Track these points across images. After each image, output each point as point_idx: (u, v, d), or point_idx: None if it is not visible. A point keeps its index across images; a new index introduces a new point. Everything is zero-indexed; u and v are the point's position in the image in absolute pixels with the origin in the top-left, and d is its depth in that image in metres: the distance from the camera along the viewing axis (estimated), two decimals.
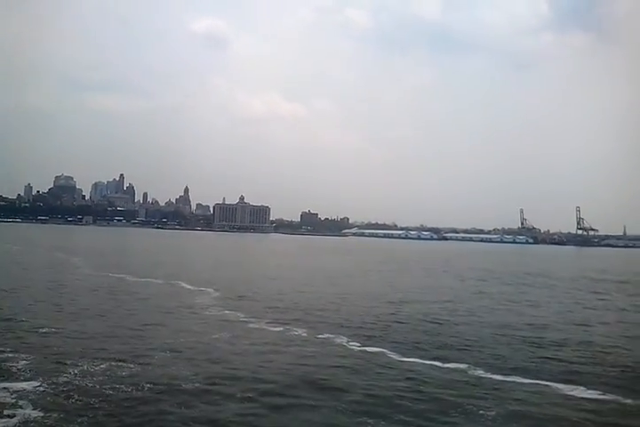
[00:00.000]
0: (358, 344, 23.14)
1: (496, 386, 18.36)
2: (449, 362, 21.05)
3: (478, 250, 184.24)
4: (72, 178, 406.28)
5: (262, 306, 32.82)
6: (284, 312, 31.05)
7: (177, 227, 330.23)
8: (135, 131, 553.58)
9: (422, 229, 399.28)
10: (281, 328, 25.95)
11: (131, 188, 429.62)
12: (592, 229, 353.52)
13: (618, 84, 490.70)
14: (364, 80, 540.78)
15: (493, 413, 15.49)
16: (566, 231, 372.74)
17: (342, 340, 23.80)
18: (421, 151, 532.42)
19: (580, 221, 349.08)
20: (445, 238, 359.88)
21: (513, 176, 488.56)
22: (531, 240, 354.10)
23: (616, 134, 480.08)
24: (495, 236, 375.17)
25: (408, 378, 18.80)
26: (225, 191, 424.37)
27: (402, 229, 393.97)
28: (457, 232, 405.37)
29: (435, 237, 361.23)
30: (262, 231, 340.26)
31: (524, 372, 20.24)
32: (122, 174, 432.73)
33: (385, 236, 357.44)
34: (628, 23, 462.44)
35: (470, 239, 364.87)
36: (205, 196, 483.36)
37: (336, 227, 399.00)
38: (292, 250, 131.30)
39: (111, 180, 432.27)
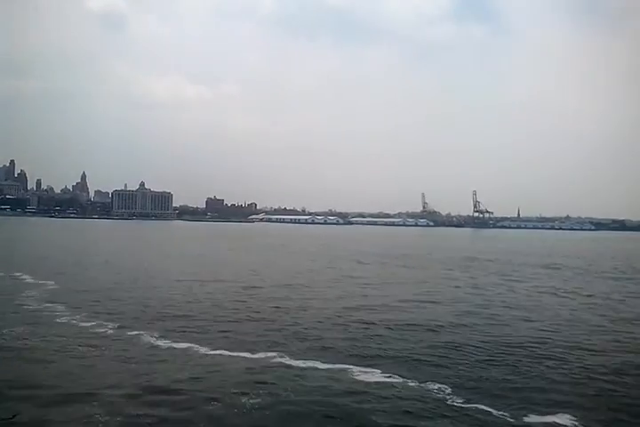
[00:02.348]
0: (168, 340, 21.55)
1: (286, 373, 17.76)
2: (259, 352, 20.17)
3: (371, 233, 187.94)
4: None
5: (92, 298, 30.50)
6: (110, 304, 28.97)
7: (72, 215, 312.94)
8: (28, 115, 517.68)
9: (330, 214, 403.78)
10: (93, 322, 23.98)
11: (22, 174, 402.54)
12: (487, 212, 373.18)
13: (514, 74, 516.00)
14: (270, 63, 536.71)
15: (256, 400, 14.94)
16: (466, 214, 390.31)
17: (152, 336, 22.11)
18: (330, 137, 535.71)
19: (476, 204, 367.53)
20: (351, 223, 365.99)
21: (416, 162, 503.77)
22: (431, 223, 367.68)
23: (510, 122, 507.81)
24: (398, 219, 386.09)
25: (196, 373, 17.65)
26: (127, 178, 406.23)
27: (310, 214, 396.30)
28: (364, 217, 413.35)
29: (341, 221, 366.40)
30: (164, 218, 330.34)
31: (330, 356, 19.84)
32: (12, 160, 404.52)
33: (292, 221, 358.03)
34: (520, 16, 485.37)
35: (375, 223, 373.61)
36: (106, 182, 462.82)
37: (243, 213, 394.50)
38: (179, 238, 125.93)
39: (1, 166, 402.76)
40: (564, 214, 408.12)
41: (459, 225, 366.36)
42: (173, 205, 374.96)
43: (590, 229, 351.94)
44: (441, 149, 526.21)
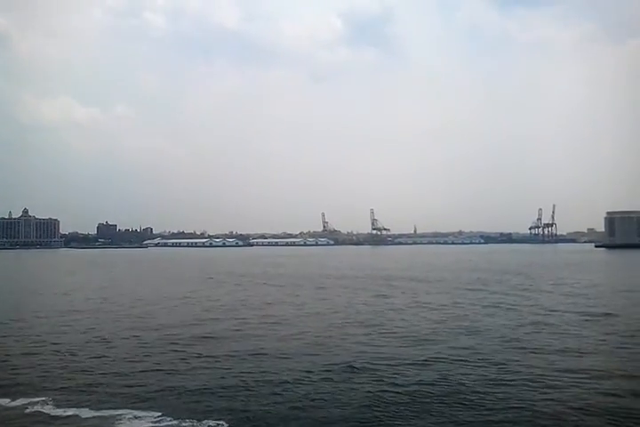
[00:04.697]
0: None
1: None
2: (19, 398, 17.05)
3: (263, 254, 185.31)
4: None
5: None
6: None
7: None
8: None
9: (230, 236, 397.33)
10: None
11: None
12: (385, 229, 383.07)
13: (408, 97, 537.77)
14: (167, 85, 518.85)
15: None
16: (366, 232, 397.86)
17: None
18: (231, 158, 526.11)
19: (373, 221, 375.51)
20: (251, 244, 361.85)
21: (316, 182, 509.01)
22: (332, 242, 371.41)
23: (405, 143, 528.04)
24: (299, 239, 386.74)
25: None
26: (10, 205, 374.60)
27: (210, 237, 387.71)
28: (265, 238, 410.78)
29: (240, 243, 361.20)
30: (50, 247, 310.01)
31: (104, 399, 17.17)
32: None
33: (189, 245, 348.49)
34: (409, 41, 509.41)
35: (276, 244, 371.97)
36: None
37: (138, 238, 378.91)
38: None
39: None
40: (457, 230, 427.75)
41: (358, 243, 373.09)
42: (61, 232, 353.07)
43: (480, 243, 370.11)
44: (339, 169, 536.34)
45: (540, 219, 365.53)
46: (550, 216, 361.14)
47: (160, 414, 15.64)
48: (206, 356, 22.54)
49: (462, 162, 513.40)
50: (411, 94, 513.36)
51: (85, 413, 15.90)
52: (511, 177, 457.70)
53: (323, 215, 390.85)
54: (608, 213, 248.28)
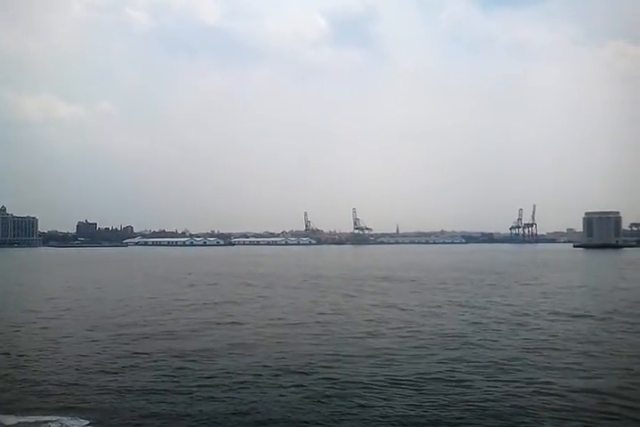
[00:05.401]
0: None
1: None
2: None
3: (240, 253, 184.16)
4: None
5: None
6: None
7: None
8: None
9: (211, 235, 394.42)
10: None
11: None
12: (367, 229, 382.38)
13: (391, 97, 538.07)
14: (151, 82, 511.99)
15: None
16: (349, 231, 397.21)
17: None
18: (214, 157, 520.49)
19: (356, 221, 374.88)
20: (232, 244, 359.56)
21: (298, 180, 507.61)
22: (314, 241, 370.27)
23: (388, 144, 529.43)
24: (281, 239, 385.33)
25: None
26: None
27: (191, 236, 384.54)
28: (247, 237, 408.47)
29: (221, 242, 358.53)
30: (29, 245, 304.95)
31: (39, 403, 16.31)
32: None
33: (170, 244, 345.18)
34: (393, 42, 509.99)
35: (257, 243, 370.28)
36: None
37: (118, 237, 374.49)
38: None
39: None
40: (440, 229, 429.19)
41: (340, 242, 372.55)
42: (40, 230, 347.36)
43: (461, 242, 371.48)
44: (322, 168, 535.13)
45: (520, 219, 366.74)
46: (531, 216, 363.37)
47: (88, 423, 14.80)
48: (154, 356, 21.76)
49: (445, 163, 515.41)
50: (395, 95, 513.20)
51: (10, 420, 15.02)
52: (493, 178, 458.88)
53: (305, 215, 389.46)
54: (586, 213, 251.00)
